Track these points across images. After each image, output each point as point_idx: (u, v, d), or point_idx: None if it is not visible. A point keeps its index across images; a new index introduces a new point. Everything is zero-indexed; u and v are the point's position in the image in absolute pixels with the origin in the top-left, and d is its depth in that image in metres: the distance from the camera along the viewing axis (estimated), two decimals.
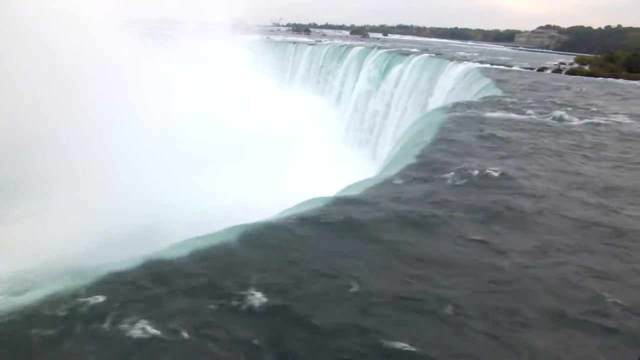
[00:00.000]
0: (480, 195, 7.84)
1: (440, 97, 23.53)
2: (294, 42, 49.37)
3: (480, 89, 20.44)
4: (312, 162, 25.12)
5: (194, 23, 40.89)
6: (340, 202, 7.34)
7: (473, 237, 6.42)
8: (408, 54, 33.56)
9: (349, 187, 8.52)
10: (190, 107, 25.87)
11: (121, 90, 22.09)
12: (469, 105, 16.17)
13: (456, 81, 23.75)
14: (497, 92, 19.03)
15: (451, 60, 28.33)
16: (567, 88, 22.19)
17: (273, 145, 26.80)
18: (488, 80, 21.44)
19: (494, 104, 16.21)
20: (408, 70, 29.75)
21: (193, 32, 38.36)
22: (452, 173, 8.81)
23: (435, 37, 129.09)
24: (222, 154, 23.24)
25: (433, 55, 32.42)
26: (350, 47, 41.26)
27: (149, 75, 25.17)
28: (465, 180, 8.47)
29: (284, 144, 27.48)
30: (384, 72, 32.47)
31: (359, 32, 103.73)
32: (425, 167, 9.21)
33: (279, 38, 57.99)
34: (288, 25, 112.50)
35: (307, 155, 26.42)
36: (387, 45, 48.66)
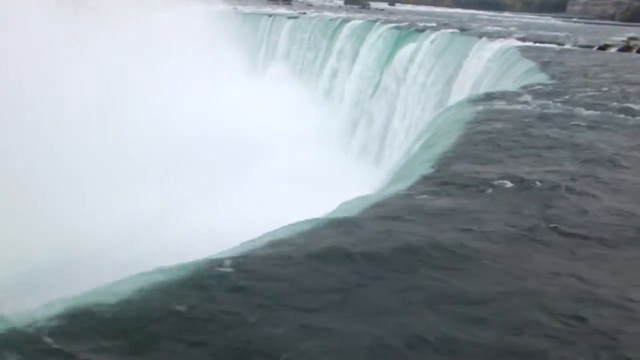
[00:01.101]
0: (520, 215, 7.94)
1: (466, 86, 23.97)
2: (270, 15, 50.00)
3: (520, 74, 20.88)
4: (293, 173, 25.43)
5: None
6: (332, 225, 7.39)
7: (511, 272, 6.49)
8: (423, 29, 34.16)
9: (344, 205, 8.58)
10: (123, 104, 26.20)
11: (29, 81, 22.21)
12: (504, 96, 16.47)
13: (488, 65, 24.27)
14: (542, 78, 19.42)
15: (480, 37, 28.91)
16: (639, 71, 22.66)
17: (239, 152, 27.07)
18: (530, 64, 21.91)
19: (538, 95, 16.52)
20: (423, 51, 30.29)
21: (133, 1, 38.79)
22: (483, 186, 8.93)
23: (458, 7, 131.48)
24: (168, 166, 23.50)
25: (456, 31, 33.05)
26: (345, 20, 41.92)
27: (68, 61, 25.41)
28: (500, 195, 8.58)
29: (254, 151, 27.73)
30: (391, 55, 33.00)
31: (356, 0, 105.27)
32: (447, 178, 9.33)
33: (249, 9, 58.66)
34: None
35: (287, 164, 26.69)
36: (395, 18, 49.45)
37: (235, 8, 55.73)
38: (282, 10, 60.89)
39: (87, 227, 18.56)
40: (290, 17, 47.57)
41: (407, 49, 31.75)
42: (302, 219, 7.83)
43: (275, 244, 6.80)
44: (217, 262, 6.22)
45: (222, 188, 24.68)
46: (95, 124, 24.20)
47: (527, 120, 13.48)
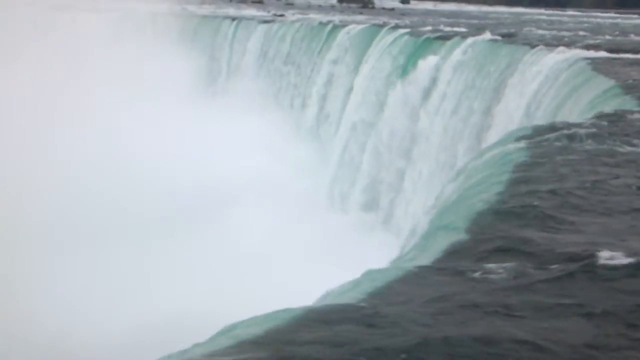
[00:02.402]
0: (595, 302, 7.90)
1: (512, 116, 24.23)
2: (234, 18, 50.90)
3: (592, 98, 21.08)
4: (260, 246, 25.36)
5: None
6: (325, 317, 7.34)
7: None
8: (449, 36, 34.80)
9: (342, 288, 8.58)
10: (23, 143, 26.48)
11: None
12: (568, 130, 16.44)
13: (543, 85, 24.57)
14: (625, 104, 19.49)
15: (532, 46, 29.37)
16: None
17: (173, 213, 27.10)
18: (607, 82, 22.08)
19: (619, 129, 16.53)
20: (449, 67, 30.75)
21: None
22: (539, 260, 8.87)
23: (500, 5, 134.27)
24: (76, 233, 23.69)
25: (497, 38, 33.66)
26: (340, 25, 42.66)
27: None
28: (560, 273, 8.53)
29: (207, 214, 27.71)
30: (404, 72, 33.46)
31: None
32: (487, 247, 9.31)
33: (206, 9, 59.86)
34: None
35: (249, 232, 26.67)
36: (409, 21, 50.43)
37: (184, 8, 56.81)
38: (250, 11, 62.10)
39: None
40: (262, 22, 48.41)
41: (427, 65, 32.19)
42: (269, 310, 7.77)
43: (237, 348, 6.73)
44: None
45: (141, 267, 24.69)
46: None
47: (604, 166, 13.48)
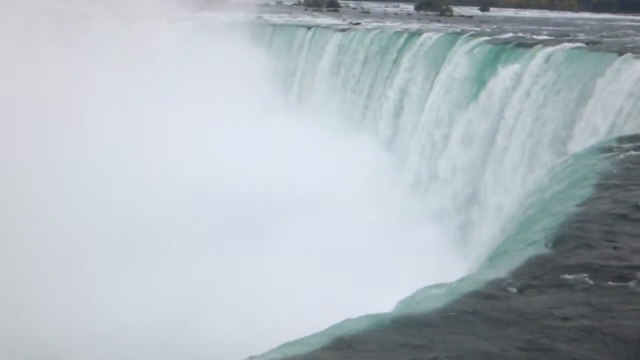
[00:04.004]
0: None
1: (596, 127, 23.79)
2: (309, 27, 51.42)
3: None
4: (329, 251, 25.59)
5: None
6: (396, 327, 7.35)
7: None
8: (531, 44, 34.37)
9: (414, 297, 8.56)
10: (102, 151, 27.40)
11: None
12: None
13: (631, 94, 24.09)
14: None
15: (620, 54, 28.78)
16: None
17: (257, 222, 27.48)
18: None
19: None
20: (531, 75, 30.33)
21: (127, 11, 41.66)
22: (619, 273, 8.79)
23: (586, 12, 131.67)
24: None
25: (582, 45, 33.07)
26: (416, 34, 42.63)
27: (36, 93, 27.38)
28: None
29: (267, 217, 28.08)
30: (483, 82, 33.15)
31: (433, 5, 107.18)
32: (573, 261, 9.21)
33: (279, 18, 60.62)
34: None
35: (320, 237, 26.90)
36: (489, 29, 49.98)
37: (259, 17, 57.65)
38: (326, 20, 62.57)
39: None
40: (337, 30, 48.74)
41: (507, 73, 31.83)
42: (340, 318, 7.86)
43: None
44: None
45: (215, 270, 25.21)
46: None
47: None
